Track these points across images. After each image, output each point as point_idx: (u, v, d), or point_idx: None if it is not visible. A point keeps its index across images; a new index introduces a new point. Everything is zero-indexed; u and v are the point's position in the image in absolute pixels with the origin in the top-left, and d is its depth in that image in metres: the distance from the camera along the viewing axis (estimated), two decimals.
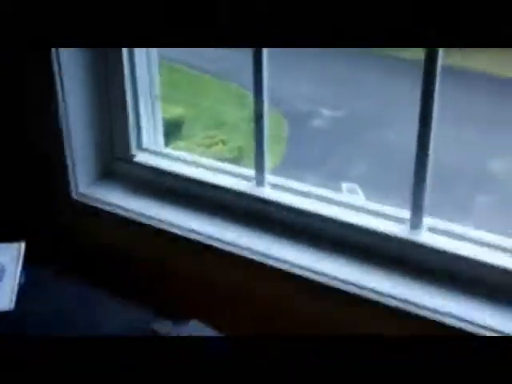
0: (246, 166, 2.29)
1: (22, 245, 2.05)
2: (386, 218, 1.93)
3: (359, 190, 2.01)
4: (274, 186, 2.10)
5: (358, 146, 3.39)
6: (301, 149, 3.30)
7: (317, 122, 3.80)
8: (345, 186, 2.04)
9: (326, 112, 3.83)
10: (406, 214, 1.90)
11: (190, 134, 4.70)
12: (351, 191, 2.01)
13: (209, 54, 4.71)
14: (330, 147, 3.46)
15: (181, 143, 4.51)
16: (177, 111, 4.75)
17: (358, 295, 1.83)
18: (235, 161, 3.91)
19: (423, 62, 1.75)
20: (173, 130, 4.20)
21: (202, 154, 2.29)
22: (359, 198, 2.00)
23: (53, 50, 2.06)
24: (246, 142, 4.09)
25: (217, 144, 4.72)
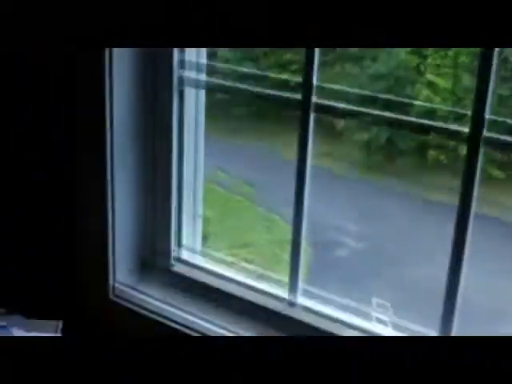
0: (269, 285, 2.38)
1: (60, 324, 2.15)
2: None
3: (388, 322, 2.09)
4: (306, 309, 2.19)
5: (382, 277, 3.50)
6: (324, 276, 3.40)
7: (341, 252, 3.94)
8: (375, 315, 2.12)
9: (350, 242, 3.97)
10: None
11: (215, 250, 4.82)
12: (381, 322, 2.09)
13: (241, 175, 4.90)
14: (353, 277, 3.56)
15: (205, 257, 4.62)
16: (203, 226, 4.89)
17: None
18: (259, 280, 4.01)
19: (458, 204, 1.86)
20: None
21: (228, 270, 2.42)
22: (387, 329, 2.08)
23: (107, 152, 2.21)
24: (270, 264, 4.22)
25: (240, 262, 4.82)
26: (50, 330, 2.14)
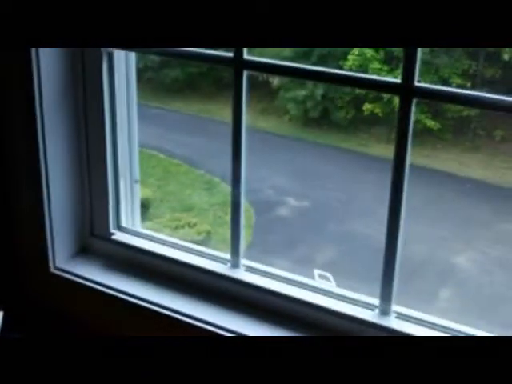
0: (214, 248, 2.37)
1: (0, 314, 2.09)
2: (357, 303, 2.02)
3: (331, 278, 2.10)
4: (249, 269, 2.18)
5: (322, 234, 3.51)
6: (267, 236, 3.41)
7: (283, 211, 3.94)
8: (317, 273, 2.13)
9: (292, 201, 3.97)
10: (375, 301, 2.00)
11: (157, 216, 4.80)
12: (323, 278, 2.10)
13: (178, 140, 4.85)
14: (295, 235, 3.57)
15: (148, 224, 4.60)
16: (144, 193, 4.86)
17: None
18: (203, 243, 4.00)
19: (393, 158, 1.86)
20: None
21: (169, 236, 2.39)
22: (331, 285, 2.09)
23: (38, 130, 2.15)
24: (214, 226, 4.21)
25: (183, 227, 4.82)
26: None
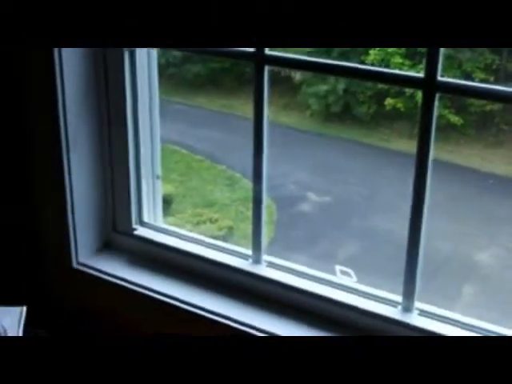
0: (235, 244, 2.37)
1: (24, 309, 2.10)
2: (379, 300, 2.02)
3: (353, 274, 2.09)
4: (270, 265, 2.18)
5: (345, 230, 3.51)
6: (289, 231, 3.41)
7: (305, 206, 3.93)
8: (338, 269, 2.12)
9: (314, 197, 3.97)
10: (397, 297, 1.98)
11: (179, 211, 4.82)
12: (345, 274, 2.09)
13: (201, 135, 4.87)
14: (317, 231, 3.57)
15: (170, 219, 4.61)
16: (166, 188, 4.87)
17: None
18: (225, 239, 4.01)
19: (416, 153, 1.85)
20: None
21: (191, 231, 2.39)
22: (352, 281, 2.08)
23: (61, 127, 2.16)
24: (236, 221, 4.22)
25: (205, 222, 4.84)
26: (14, 315, 2.09)
